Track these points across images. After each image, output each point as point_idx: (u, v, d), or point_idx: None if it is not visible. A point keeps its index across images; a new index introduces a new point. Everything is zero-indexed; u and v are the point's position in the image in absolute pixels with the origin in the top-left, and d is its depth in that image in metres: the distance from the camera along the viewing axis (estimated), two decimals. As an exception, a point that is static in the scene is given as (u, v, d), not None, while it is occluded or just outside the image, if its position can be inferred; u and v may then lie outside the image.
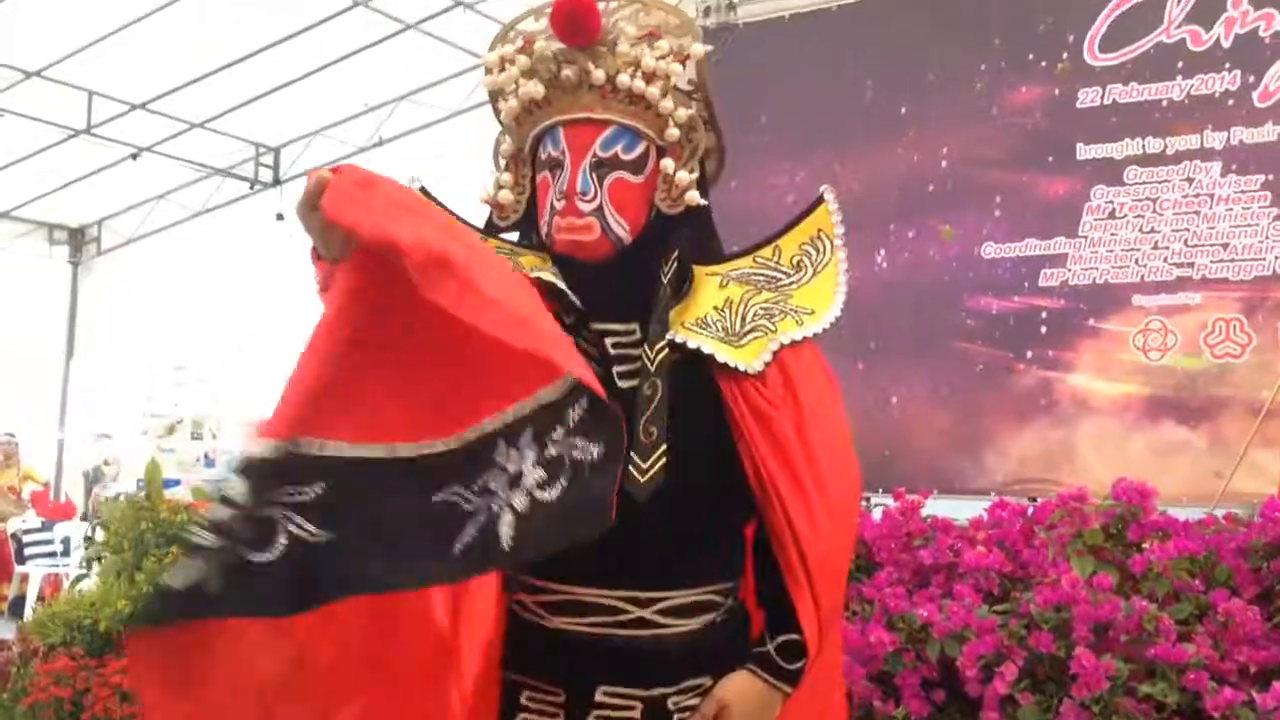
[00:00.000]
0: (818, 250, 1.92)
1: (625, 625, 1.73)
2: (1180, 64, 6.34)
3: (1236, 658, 2.67)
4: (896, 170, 7.06)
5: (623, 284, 1.76)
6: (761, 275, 1.90)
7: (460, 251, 1.54)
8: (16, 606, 9.38)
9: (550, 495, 1.48)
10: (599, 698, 1.73)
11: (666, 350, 1.73)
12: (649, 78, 1.76)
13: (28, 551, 10.05)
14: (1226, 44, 6.25)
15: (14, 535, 10.21)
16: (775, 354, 1.78)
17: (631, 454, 1.65)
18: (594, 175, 1.75)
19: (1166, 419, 6.21)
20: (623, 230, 1.76)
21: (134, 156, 10.95)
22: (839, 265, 1.90)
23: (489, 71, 1.85)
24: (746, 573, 1.88)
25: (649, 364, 1.71)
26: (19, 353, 12.49)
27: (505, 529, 1.47)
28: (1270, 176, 6.06)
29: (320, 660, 1.60)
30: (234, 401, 10.93)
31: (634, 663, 1.73)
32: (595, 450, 1.48)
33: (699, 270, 1.87)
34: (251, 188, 11.80)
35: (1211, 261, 6.16)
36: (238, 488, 1.50)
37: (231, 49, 8.98)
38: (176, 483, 8.36)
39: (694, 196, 1.79)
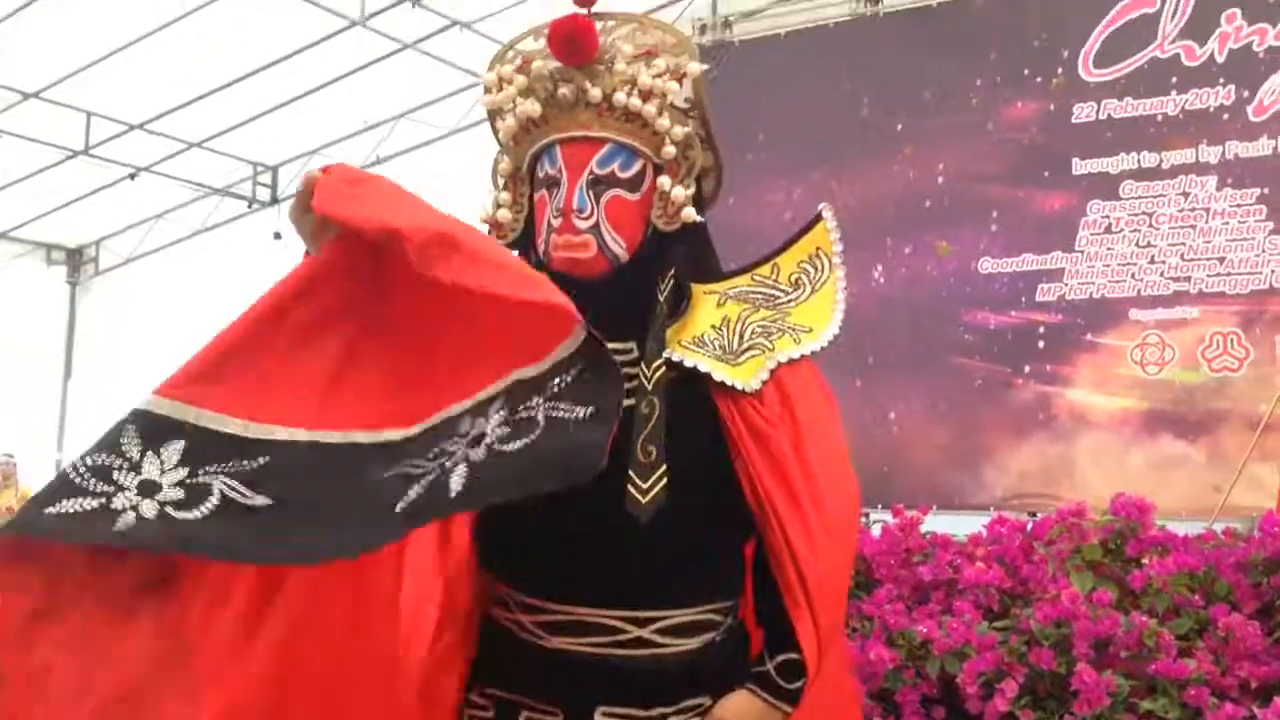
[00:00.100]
0: (816, 268, 1.92)
1: (624, 645, 1.72)
2: (1175, 79, 6.38)
3: (1237, 673, 2.67)
4: (893, 186, 7.09)
5: (620, 302, 1.75)
6: (760, 293, 1.90)
7: (461, 229, 1.55)
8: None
9: (513, 446, 1.45)
10: (598, 718, 1.73)
11: (663, 369, 1.72)
12: (645, 96, 1.77)
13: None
14: (1221, 59, 6.29)
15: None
16: (772, 372, 1.77)
17: (631, 474, 1.65)
18: (591, 193, 1.75)
19: (1165, 433, 6.22)
20: (619, 248, 1.76)
21: (132, 176, 10.96)
22: (837, 283, 1.90)
23: (487, 91, 1.86)
24: (746, 591, 1.87)
25: (646, 383, 1.70)
26: (17, 373, 12.48)
27: (456, 479, 1.44)
28: (1265, 190, 6.09)
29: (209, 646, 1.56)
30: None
31: (633, 683, 1.72)
32: (583, 411, 1.45)
33: (697, 288, 1.87)
34: (249, 207, 11.81)
35: (1208, 275, 6.19)
36: (133, 441, 1.49)
37: (229, 68, 9.00)
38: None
39: (690, 213, 1.79)
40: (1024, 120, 6.83)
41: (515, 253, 1.89)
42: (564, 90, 1.77)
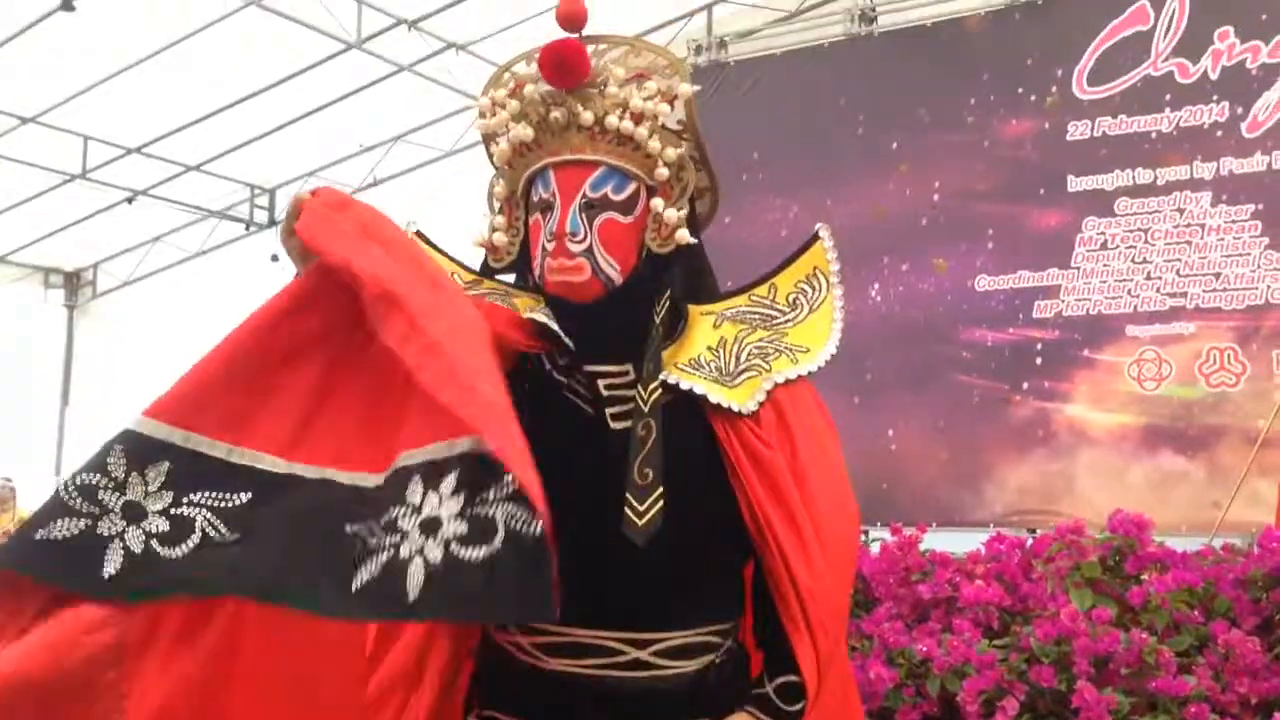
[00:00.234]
0: (814, 288, 1.92)
1: (622, 667, 1.72)
2: (1168, 96, 6.41)
3: (1238, 689, 2.66)
4: (890, 204, 7.11)
5: (615, 325, 1.75)
6: (757, 313, 1.90)
7: (415, 289, 1.50)
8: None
9: (474, 555, 1.32)
10: None
11: (660, 391, 1.72)
12: (637, 118, 1.77)
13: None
14: (1214, 76, 6.32)
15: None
16: (769, 393, 1.77)
17: (628, 496, 1.64)
18: (584, 216, 1.75)
19: (1164, 449, 6.22)
20: (613, 271, 1.76)
21: (129, 200, 10.98)
22: (835, 303, 1.90)
23: (481, 115, 1.86)
24: (745, 613, 1.86)
25: (643, 405, 1.70)
26: (15, 397, 12.47)
27: (413, 580, 1.34)
28: (1260, 206, 6.11)
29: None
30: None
31: (631, 705, 1.71)
32: (533, 527, 1.29)
33: (693, 309, 1.87)
34: (247, 229, 11.82)
35: (1204, 291, 6.20)
36: (119, 462, 1.49)
37: (226, 92, 9.03)
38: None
39: (684, 235, 1.79)
40: (1019, 138, 6.85)
41: (513, 275, 1.90)
42: (556, 114, 1.77)
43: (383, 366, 1.53)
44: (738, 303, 1.91)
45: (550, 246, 1.75)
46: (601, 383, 1.76)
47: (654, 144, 1.78)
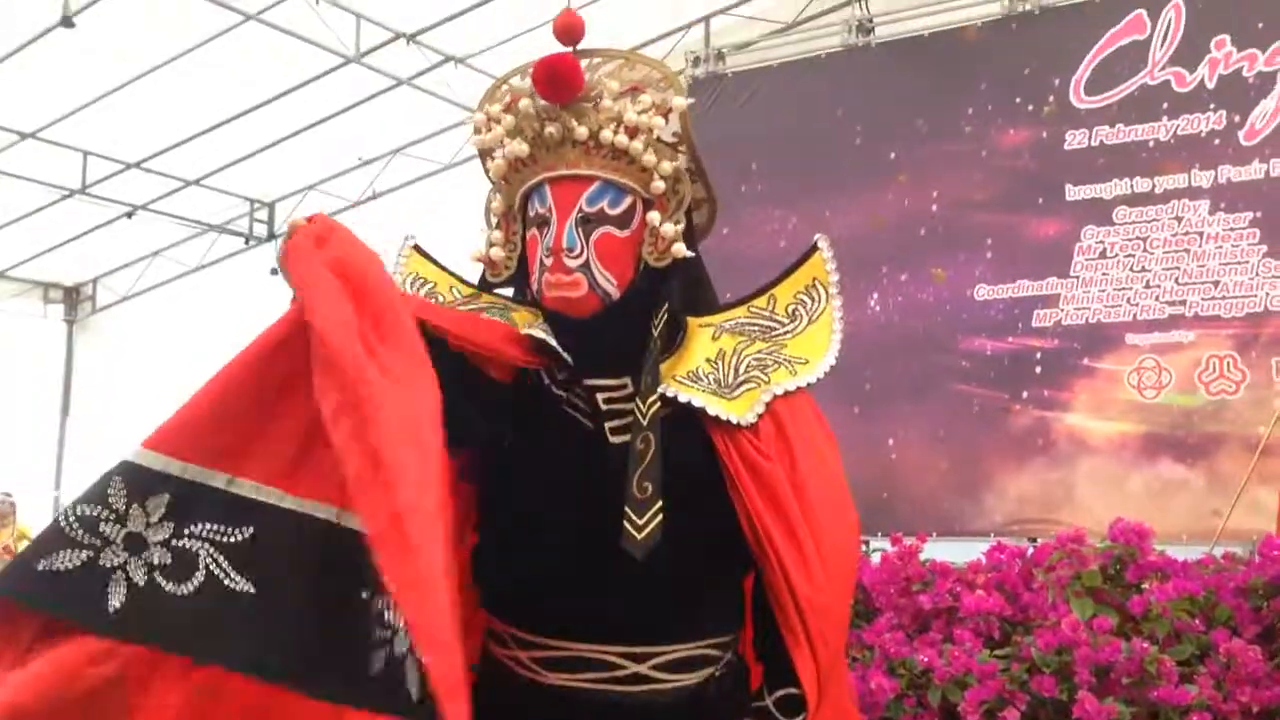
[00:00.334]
0: (813, 299, 1.91)
1: (621, 681, 1.71)
2: (1165, 105, 6.41)
3: (1239, 698, 2.66)
4: (888, 214, 7.11)
5: (613, 338, 1.75)
6: (756, 325, 1.90)
7: (361, 365, 1.43)
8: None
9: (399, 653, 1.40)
10: None
11: (658, 404, 1.71)
12: (632, 132, 1.77)
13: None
14: (1211, 85, 6.32)
15: (10, 596, 10.13)
16: (768, 405, 1.77)
17: (627, 510, 1.64)
18: (580, 231, 1.75)
19: (1164, 457, 6.21)
20: (610, 285, 1.76)
21: (129, 214, 10.98)
22: (834, 314, 1.90)
23: (477, 130, 1.86)
24: (745, 625, 1.86)
25: (641, 419, 1.69)
26: (15, 411, 12.46)
27: (412, 685, 1.39)
28: (1258, 214, 6.11)
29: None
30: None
31: (630, 719, 1.71)
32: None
33: (692, 321, 1.87)
34: (246, 243, 11.82)
35: (1203, 299, 6.20)
36: (120, 493, 1.49)
37: (225, 107, 9.04)
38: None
39: (680, 249, 1.78)
40: (1017, 147, 6.85)
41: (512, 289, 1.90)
42: (551, 129, 1.77)
43: None
44: (736, 314, 1.91)
45: (548, 262, 1.75)
46: (600, 396, 1.76)
47: (649, 157, 1.78)
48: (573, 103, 1.77)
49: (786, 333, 1.89)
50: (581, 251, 1.74)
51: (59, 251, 11.94)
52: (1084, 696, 2.65)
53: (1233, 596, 2.94)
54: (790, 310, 1.91)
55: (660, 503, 1.65)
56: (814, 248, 1.95)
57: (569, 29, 1.80)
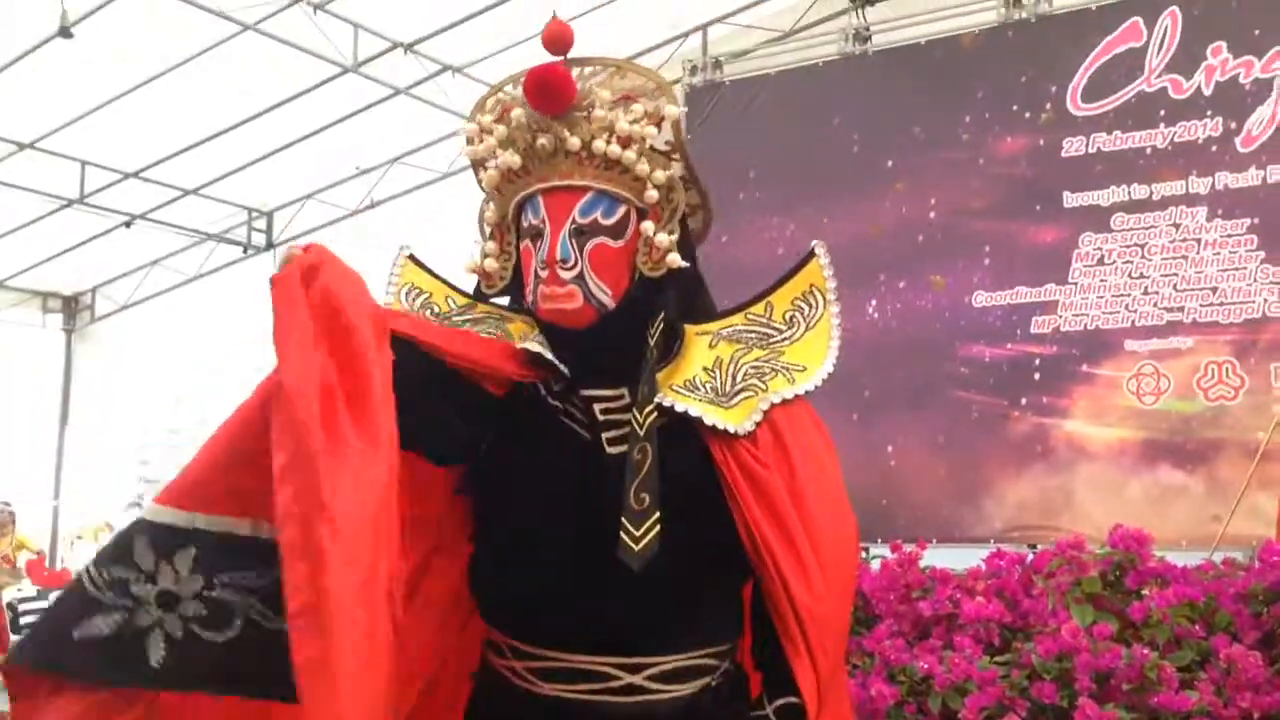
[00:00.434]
0: (810, 305, 1.90)
1: (616, 692, 1.70)
2: (1162, 112, 6.42)
3: (1240, 704, 2.66)
4: (886, 222, 7.11)
5: (609, 349, 1.75)
6: (753, 332, 1.88)
7: (312, 430, 1.42)
8: (12, 677, 9.26)
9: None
10: None
11: (655, 414, 1.70)
12: (624, 142, 1.75)
13: (23, 620, 9.94)
14: (1208, 91, 6.33)
15: (10, 605, 10.10)
16: (766, 414, 1.75)
17: (624, 521, 1.62)
18: (574, 242, 1.73)
19: (1163, 463, 6.21)
20: (605, 296, 1.75)
21: (127, 224, 10.99)
22: (832, 320, 1.88)
23: (469, 141, 1.85)
24: (744, 633, 1.84)
25: (638, 429, 1.68)
26: (14, 421, 12.47)
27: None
28: (1256, 220, 6.12)
29: None
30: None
31: None
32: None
33: (689, 329, 1.86)
34: (245, 252, 11.83)
35: (1201, 305, 6.20)
36: (146, 553, 1.49)
37: (223, 116, 9.05)
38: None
39: (675, 259, 1.77)
40: (1014, 155, 6.86)
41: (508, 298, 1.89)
42: (543, 140, 1.76)
43: None
44: (734, 321, 1.90)
45: (542, 274, 1.73)
46: (597, 407, 1.75)
47: (642, 167, 1.77)
48: (565, 113, 1.75)
49: (784, 340, 1.87)
50: (576, 263, 1.73)
51: (57, 261, 11.94)
52: (1084, 703, 2.65)
53: (1233, 602, 2.94)
54: (788, 317, 1.89)
55: (657, 513, 1.63)
56: (811, 254, 1.93)
57: (558, 38, 1.78)
